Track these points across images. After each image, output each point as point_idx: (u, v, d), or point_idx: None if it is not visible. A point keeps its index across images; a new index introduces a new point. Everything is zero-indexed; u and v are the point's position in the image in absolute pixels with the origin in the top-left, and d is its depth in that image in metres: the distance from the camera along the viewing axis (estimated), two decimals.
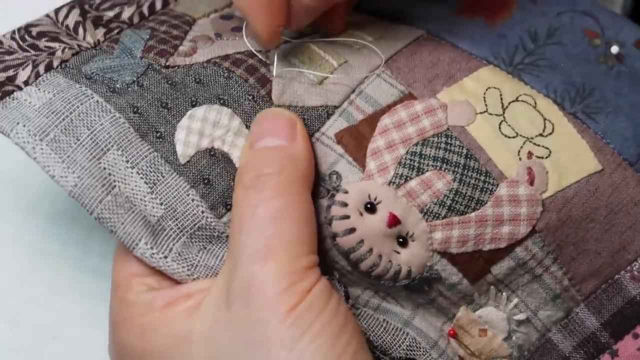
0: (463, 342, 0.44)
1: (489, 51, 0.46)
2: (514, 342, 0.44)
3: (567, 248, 0.43)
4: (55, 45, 0.44)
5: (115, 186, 0.40)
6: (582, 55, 0.46)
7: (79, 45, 0.44)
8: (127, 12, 0.46)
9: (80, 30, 0.45)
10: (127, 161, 0.40)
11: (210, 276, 0.41)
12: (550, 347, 0.45)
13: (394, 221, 0.41)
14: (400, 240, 0.41)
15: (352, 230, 0.41)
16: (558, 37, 0.46)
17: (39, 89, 0.42)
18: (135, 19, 0.46)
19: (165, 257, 0.40)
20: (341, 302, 0.39)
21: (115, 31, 0.45)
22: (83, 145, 0.40)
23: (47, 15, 0.46)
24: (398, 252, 0.41)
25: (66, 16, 0.46)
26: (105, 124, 0.41)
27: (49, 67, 0.43)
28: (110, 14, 0.46)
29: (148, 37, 0.44)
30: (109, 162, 0.40)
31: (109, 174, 0.40)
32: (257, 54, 0.44)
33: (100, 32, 0.45)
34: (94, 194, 0.39)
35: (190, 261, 0.40)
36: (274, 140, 0.41)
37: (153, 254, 0.40)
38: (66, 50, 0.44)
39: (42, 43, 0.44)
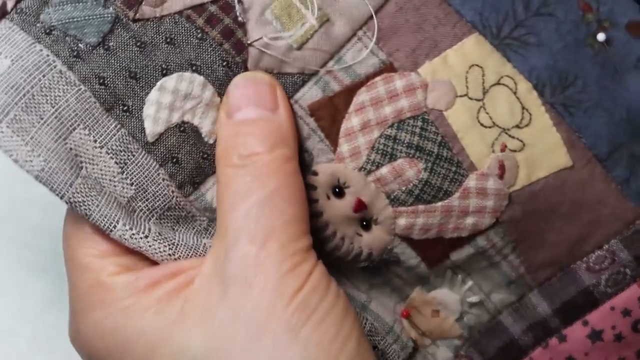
0: (414, 322, 0.45)
1: (479, 15, 0.43)
2: (465, 323, 0.46)
3: (527, 238, 0.43)
4: None
5: (82, 167, 0.38)
6: (572, 34, 0.44)
7: None
8: None
9: None
10: (95, 140, 0.38)
11: (191, 256, 0.40)
12: (500, 329, 0.46)
13: (359, 207, 0.41)
14: (364, 223, 0.41)
15: (319, 214, 0.40)
16: (552, 7, 0.44)
17: None
18: None
19: (146, 236, 0.38)
20: (339, 287, 0.38)
21: None
22: (47, 125, 0.38)
23: None
24: (360, 235, 0.41)
25: None
26: (70, 99, 0.38)
27: (2, 13, 0.39)
28: None
29: None
30: (76, 142, 0.38)
31: (76, 155, 0.38)
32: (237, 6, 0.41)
33: None
34: (63, 177, 0.37)
35: (171, 240, 0.39)
36: (256, 111, 0.39)
37: (133, 234, 0.38)
38: None
39: None
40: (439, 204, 0.41)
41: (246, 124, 0.39)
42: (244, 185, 0.37)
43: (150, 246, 0.39)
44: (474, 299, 0.45)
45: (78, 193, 0.37)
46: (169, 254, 0.39)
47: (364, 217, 0.41)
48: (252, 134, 0.38)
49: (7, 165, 0.41)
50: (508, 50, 0.43)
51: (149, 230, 0.39)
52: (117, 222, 0.38)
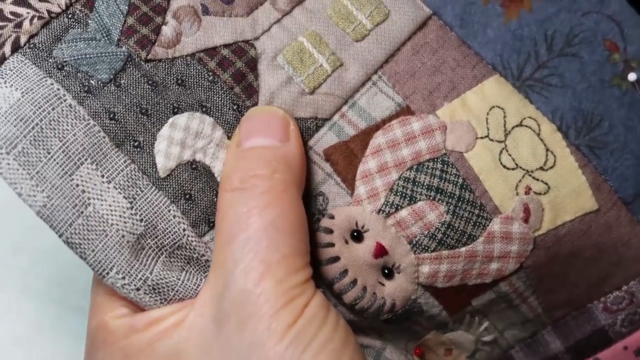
0: (426, 359, 0.43)
1: (499, 57, 0.42)
2: (476, 358, 0.44)
3: (548, 282, 0.42)
4: (23, 11, 0.39)
5: (89, 204, 0.37)
6: (597, 75, 0.42)
7: (48, 11, 0.39)
8: None
9: None
10: (103, 176, 0.37)
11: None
12: None
13: (380, 251, 0.39)
14: (386, 271, 0.39)
15: (336, 259, 0.39)
16: (576, 48, 0.43)
17: (5, 82, 0.37)
18: None
19: (138, 289, 0.37)
20: (340, 316, 0.37)
21: None
22: (54, 160, 0.37)
23: None
24: (382, 284, 0.40)
25: None
26: (78, 134, 0.37)
27: (15, 47, 0.38)
28: None
29: (127, 9, 0.40)
30: (83, 178, 0.37)
31: (83, 191, 0.37)
32: (246, 48, 0.40)
33: None
34: (64, 215, 0.36)
35: (164, 295, 0.38)
36: (265, 140, 0.38)
37: (124, 284, 0.37)
38: (35, 20, 0.39)
39: (8, 8, 0.39)
40: (463, 249, 0.39)
41: (252, 149, 0.38)
42: (241, 215, 0.36)
43: (140, 299, 0.37)
44: (488, 338, 0.43)
45: (76, 234, 0.36)
46: (159, 307, 0.38)
47: (385, 265, 0.39)
48: (256, 158, 0.37)
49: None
50: (530, 92, 0.42)
51: (144, 282, 0.37)
52: (111, 269, 0.37)
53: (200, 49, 0.40)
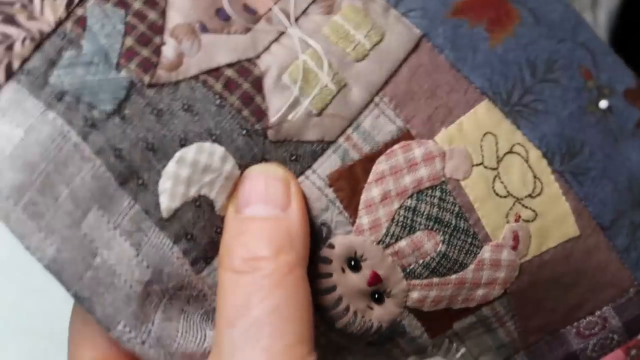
0: None
1: (488, 82, 0.42)
2: None
3: (527, 306, 0.43)
4: (13, 31, 0.36)
5: (97, 254, 0.35)
6: (576, 102, 0.43)
7: (40, 31, 0.36)
8: None
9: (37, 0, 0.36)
10: (109, 222, 0.35)
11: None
12: None
13: (375, 280, 0.39)
14: (376, 296, 0.40)
15: (332, 288, 0.39)
16: (556, 73, 0.43)
17: (4, 116, 0.34)
18: None
19: (143, 342, 0.36)
20: None
21: (77, 0, 0.37)
22: (62, 209, 0.34)
23: None
24: (371, 308, 0.40)
25: None
26: (86, 177, 0.35)
27: (9, 72, 0.35)
28: None
29: (124, 28, 0.37)
30: (90, 226, 0.35)
31: (91, 241, 0.35)
32: (247, 64, 0.38)
33: (62, 3, 0.36)
34: (74, 269, 0.34)
35: (167, 348, 0.37)
36: (265, 208, 0.36)
37: (130, 338, 0.36)
38: (26, 41, 0.36)
39: None
40: (454, 276, 0.40)
41: (253, 221, 0.36)
42: (243, 298, 0.35)
43: (145, 353, 0.36)
44: None
45: (86, 288, 0.35)
46: None
47: (376, 290, 0.40)
48: (258, 235, 0.36)
49: None
50: (518, 117, 0.42)
51: (148, 334, 0.36)
52: (119, 322, 0.36)
53: (204, 70, 0.38)
